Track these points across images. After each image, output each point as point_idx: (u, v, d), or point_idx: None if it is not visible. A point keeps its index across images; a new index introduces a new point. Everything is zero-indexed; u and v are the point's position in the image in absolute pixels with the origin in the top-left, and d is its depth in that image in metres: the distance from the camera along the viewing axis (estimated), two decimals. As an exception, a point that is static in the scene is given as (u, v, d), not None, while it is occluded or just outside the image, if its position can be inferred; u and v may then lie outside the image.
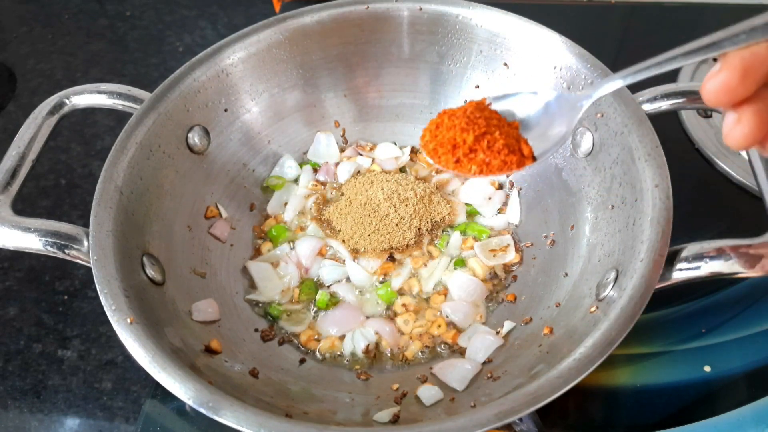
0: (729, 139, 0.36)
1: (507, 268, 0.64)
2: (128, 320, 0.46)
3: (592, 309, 0.49)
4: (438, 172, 0.71)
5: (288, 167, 0.71)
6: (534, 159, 0.49)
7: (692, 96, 0.58)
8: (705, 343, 0.60)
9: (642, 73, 0.44)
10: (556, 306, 0.56)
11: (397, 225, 0.64)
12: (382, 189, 0.66)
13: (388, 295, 0.61)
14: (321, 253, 0.65)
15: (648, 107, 0.58)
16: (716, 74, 0.34)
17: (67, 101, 0.60)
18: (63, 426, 0.59)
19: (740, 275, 0.46)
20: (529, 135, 0.50)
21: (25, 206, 0.74)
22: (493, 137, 0.48)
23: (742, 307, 0.63)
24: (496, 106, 0.51)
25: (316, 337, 0.60)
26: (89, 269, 0.49)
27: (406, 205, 0.65)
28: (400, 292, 0.62)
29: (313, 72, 0.70)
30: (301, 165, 0.71)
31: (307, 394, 0.53)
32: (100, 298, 0.47)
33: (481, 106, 0.51)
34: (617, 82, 0.46)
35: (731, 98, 0.34)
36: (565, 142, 0.51)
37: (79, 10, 1.03)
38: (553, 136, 0.50)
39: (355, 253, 0.64)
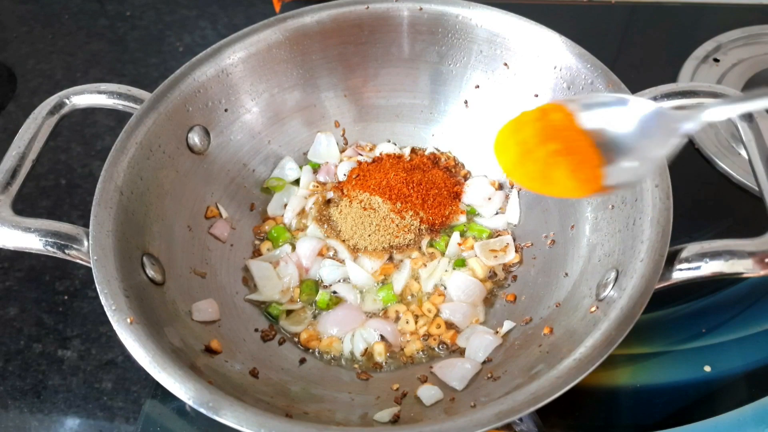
0: None
1: (507, 268, 0.64)
2: (128, 320, 0.46)
3: (592, 309, 0.49)
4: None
5: (289, 169, 0.71)
6: (605, 189, 0.44)
7: (692, 96, 0.58)
8: (705, 343, 0.60)
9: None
10: (556, 306, 0.56)
11: (397, 225, 0.64)
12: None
13: (388, 298, 0.61)
14: (321, 254, 0.65)
15: (648, 107, 0.57)
16: None
17: (67, 101, 0.60)
18: (63, 426, 0.59)
19: (740, 275, 0.46)
20: (610, 158, 0.43)
21: (25, 206, 0.74)
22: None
23: (742, 307, 0.63)
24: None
25: (316, 337, 0.60)
26: (89, 269, 0.49)
27: (406, 205, 0.65)
28: (400, 293, 0.62)
29: (313, 72, 0.70)
30: (300, 167, 0.71)
31: (307, 394, 0.53)
32: (100, 298, 0.47)
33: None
34: (740, 106, 0.38)
35: None
36: (647, 176, 0.46)
37: (79, 10, 1.03)
38: (634, 168, 0.43)
39: (356, 252, 0.64)
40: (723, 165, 0.73)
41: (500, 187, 0.69)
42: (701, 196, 0.72)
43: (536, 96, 0.64)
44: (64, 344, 0.64)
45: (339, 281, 0.63)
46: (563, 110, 0.45)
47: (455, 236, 0.65)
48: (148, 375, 0.43)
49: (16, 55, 0.96)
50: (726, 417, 0.55)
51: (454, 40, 0.68)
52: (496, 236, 0.66)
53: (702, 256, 0.46)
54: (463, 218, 0.67)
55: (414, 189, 0.66)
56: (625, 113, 0.44)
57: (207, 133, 0.64)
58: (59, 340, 0.64)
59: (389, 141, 0.74)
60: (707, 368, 0.58)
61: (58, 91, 0.61)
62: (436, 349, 0.59)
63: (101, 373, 0.62)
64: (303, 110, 0.71)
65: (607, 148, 0.44)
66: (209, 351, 0.52)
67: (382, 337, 0.59)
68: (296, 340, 0.60)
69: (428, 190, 0.67)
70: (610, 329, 0.44)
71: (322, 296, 0.62)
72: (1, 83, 0.92)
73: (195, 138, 0.63)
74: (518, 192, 0.68)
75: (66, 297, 0.68)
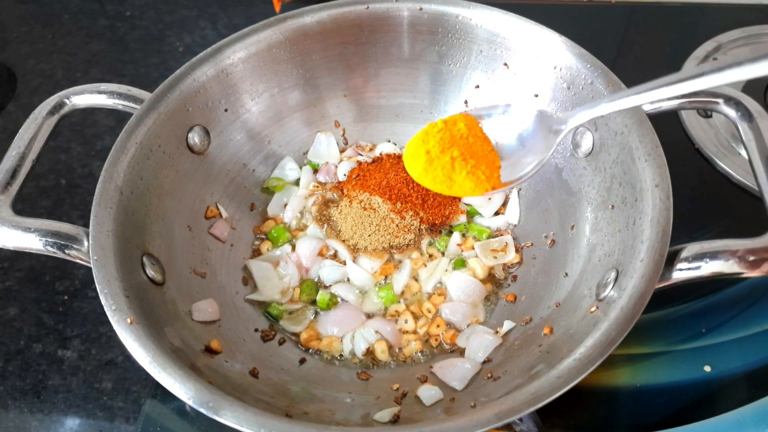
0: None
1: (507, 268, 0.64)
2: (128, 320, 0.46)
3: (592, 309, 0.49)
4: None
5: (289, 169, 0.71)
6: (503, 185, 0.52)
7: (692, 96, 0.58)
8: (705, 343, 0.60)
9: (627, 102, 0.45)
10: (556, 306, 0.56)
11: (397, 225, 0.64)
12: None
13: (388, 298, 0.61)
14: (321, 254, 0.65)
15: (648, 107, 0.58)
16: None
17: (67, 101, 0.60)
18: (63, 426, 0.59)
19: (740, 275, 0.46)
20: (505, 156, 0.53)
21: (25, 206, 0.74)
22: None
23: (742, 307, 0.63)
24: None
25: (316, 336, 0.60)
26: (89, 269, 0.49)
27: (406, 205, 0.65)
28: (401, 293, 0.62)
29: (313, 72, 0.70)
30: (300, 167, 0.71)
31: (307, 394, 0.53)
32: (100, 298, 0.47)
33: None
34: (600, 108, 0.47)
35: None
36: (538, 169, 0.53)
37: (79, 10, 1.03)
38: (527, 163, 0.52)
39: (355, 252, 0.64)
40: (723, 165, 0.73)
41: (500, 187, 0.69)
42: (701, 196, 0.72)
43: (536, 96, 0.64)
44: (64, 344, 0.64)
45: (339, 281, 0.63)
46: (468, 120, 0.54)
47: (455, 236, 0.65)
48: (148, 375, 0.43)
49: (16, 55, 0.96)
50: (726, 417, 0.55)
51: (454, 40, 0.68)
52: (497, 236, 0.66)
53: (702, 256, 0.46)
54: (463, 218, 0.67)
55: (414, 189, 0.66)
56: (513, 118, 0.54)
57: (207, 133, 0.64)
58: (59, 340, 0.64)
59: (389, 141, 0.74)
60: (707, 368, 0.58)
61: (58, 91, 0.61)
62: (438, 348, 0.59)
63: (101, 373, 0.62)
64: (303, 110, 0.72)
65: (503, 150, 0.53)
66: (209, 351, 0.52)
67: (383, 338, 0.59)
68: (296, 340, 0.60)
69: (428, 190, 0.67)
70: (610, 329, 0.44)
71: (322, 296, 0.62)
72: (1, 83, 0.92)
73: (195, 138, 0.63)
74: (518, 192, 0.68)
75: (66, 297, 0.68)
